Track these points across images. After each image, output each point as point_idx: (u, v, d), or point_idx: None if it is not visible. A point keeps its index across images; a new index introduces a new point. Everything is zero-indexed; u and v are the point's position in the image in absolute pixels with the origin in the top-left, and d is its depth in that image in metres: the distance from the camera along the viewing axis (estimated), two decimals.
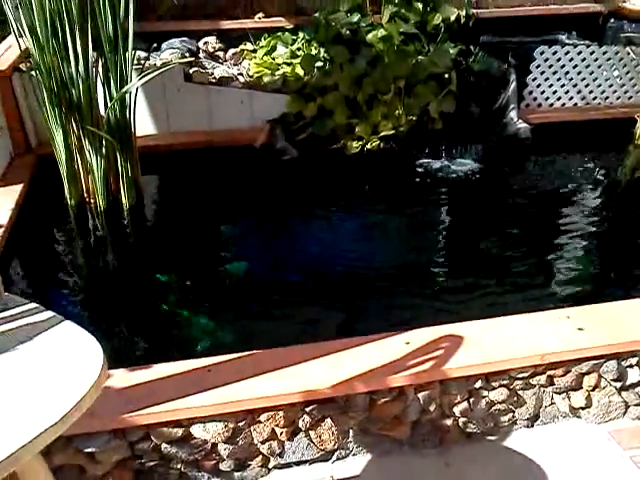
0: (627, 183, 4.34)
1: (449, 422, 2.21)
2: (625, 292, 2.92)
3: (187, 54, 4.59)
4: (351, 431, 2.13)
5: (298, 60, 4.44)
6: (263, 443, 2.06)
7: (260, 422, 2.02)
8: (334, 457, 2.16)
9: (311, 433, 2.09)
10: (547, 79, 4.60)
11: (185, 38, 4.88)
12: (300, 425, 2.06)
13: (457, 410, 2.19)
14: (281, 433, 2.05)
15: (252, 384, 1.98)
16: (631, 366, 2.28)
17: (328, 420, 2.07)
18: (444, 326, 2.27)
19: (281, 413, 2.00)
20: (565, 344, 2.18)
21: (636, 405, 2.37)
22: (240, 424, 2.00)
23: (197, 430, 1.96)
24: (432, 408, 2.15)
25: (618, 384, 2.30)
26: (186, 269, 3.15)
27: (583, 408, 2.33)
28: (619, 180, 4.37)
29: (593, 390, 2.29)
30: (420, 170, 4.09)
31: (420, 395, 2.12)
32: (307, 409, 2.03)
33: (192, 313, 2.82)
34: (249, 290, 3.03)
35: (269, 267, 3.24)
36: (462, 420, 2.22)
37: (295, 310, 2.88)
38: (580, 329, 2.24)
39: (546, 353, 2.14)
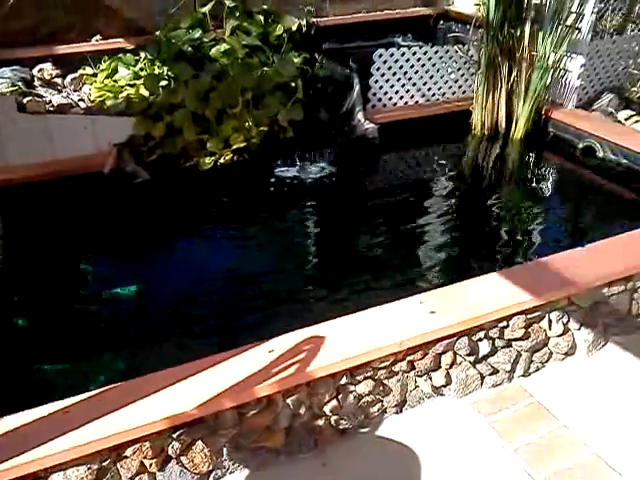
0: (469, 169, 4.70)
1: (321, 422, 2.26)
2: (474, 270, 3.14)
3: (20, 83, 4.34)
4: (224, 449, 2.11)
5: (141, 81, 4.34)
6: (133, 479, 1.98)
7: (126, 457, 1.94)
8: (210, 478, 2.13)
9: (183, 459, 2.04)
10: (388, 80, 4.86)
11: (17, 66, 4.61)
12: (170, 452, 2.01)
13: (327, 409, 2.24)
14: (150, 465, 1.99)
15: (115, 419, 1.91)
16: (480, 340, 2.46)
17: (199, 442, 2.04)
18: (306, 329, 2.32)
19: (147, 444, 1.94)
20: (420, 329, 2.31)
21: (490, 375, 2.56)
22: (105, 463, 1.91)
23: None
24: (302, 411, 2.19)
25: (472, 358, 2.47)
26: (40, 309, 2.98)
27: (444, 386, 2.47)
28: (462, 167, 4.71)
29: (451, 367, 2.45)
30: (276, 179, 4.16)
31: (289, 400, 2.14)
32: (175, 435, 1.98)
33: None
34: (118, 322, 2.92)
35: (138, 296, 3.12)
36: (334, 418, 2.28)
37: (166, 336, 2.81)
38: (432, 312, 2.38)
39: (403, 340, 2.26)
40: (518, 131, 4.81)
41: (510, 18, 4.60)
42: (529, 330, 2.57)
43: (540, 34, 4.62)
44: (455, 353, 2.43)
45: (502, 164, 4.76)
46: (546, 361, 2.70)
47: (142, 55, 4.69)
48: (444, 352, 2.40)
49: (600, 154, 4.48)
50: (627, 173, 4.24)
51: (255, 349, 2.22)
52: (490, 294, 2.49)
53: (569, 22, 4.58)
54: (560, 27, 4.54)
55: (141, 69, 4.54)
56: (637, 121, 5.13)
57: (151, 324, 2.93)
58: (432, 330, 2.31)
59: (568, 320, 2.67)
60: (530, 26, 4.63)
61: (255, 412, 2.08)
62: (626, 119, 5.17)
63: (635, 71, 5.27)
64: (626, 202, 4.10)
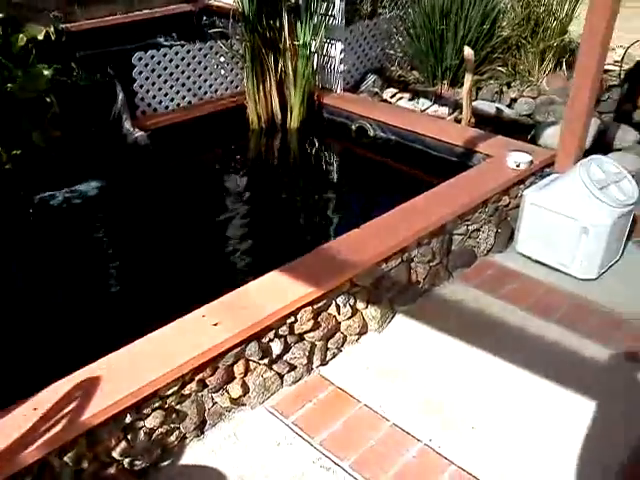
0: (251, 164, 4.70)
1: (113, 470, 2.07)
2: (263, 268, 3.05)
3: None
4: None
5: None
6: None
7: None
8: None
9: None
10: (154, 83, 4.65)
11: None
12: None
13: (116, 453, 2.06)
14: None
15: None
16: (271, 340, 2.43)
17: None
18: (78, 372, 2.09)
19: None
20: (205, 344, 2.20)
21: (289, 372, 2.55)
22: None
23: None
24: (86, 465, 1.97)
25: (266, 360, 2.43)
26: None
27: (243, 395, 2.41)
28: (244, 163, 4.69)
29: (245, 375, 2.39)
30: (39, 206, 3.76)
31: (67, 458, 1.92)
32: None
33: None
34: None
35: None
36: (127, 461, 2.10)
37: None
38: (216, 324, 2.29)
39: (187, 360, 2.14)
40: (294, 120, 4.91)
41: (267, 9, 4.65)
42: (318, 320, 2.60)
43: (298, 23, 4.74)
44: (247, 360, 2.38)
45: (283, 154, 4.84)
46: (341, 345, 2.77)
47: None
48: (235, 362, 2.33)
49: (371, 133, 4.74)
50: (396, 148, 4.54)
51: (18, 409, 1.95)
52: (274, 292, 2.47)
53: (323, 10, 4.75)
54: (315, 16, 4.70)
55: None
56: (401, 98, 5.52)
57: None
58: (218, 343, 2.22)
59: (355, 301, 2.76)
60: (288, 16, 4.72)
61: None
62: (391, 97, 5.55)
63: (391, 51, 5.67)
64: (398, 174, 4.39)
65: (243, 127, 4.93)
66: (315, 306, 2.55)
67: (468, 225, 3.34)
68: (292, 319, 2.48)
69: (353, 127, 4.84)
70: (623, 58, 5.95)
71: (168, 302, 2.93)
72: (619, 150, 4.49)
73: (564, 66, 5.58)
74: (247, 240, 3.59)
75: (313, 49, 4.78)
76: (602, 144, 4.73)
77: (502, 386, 2.57)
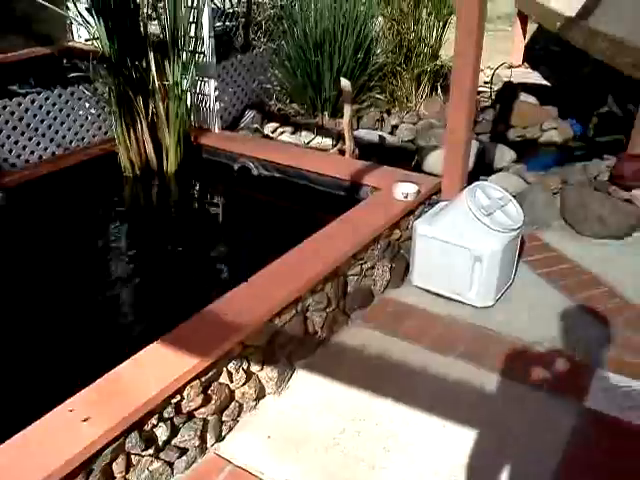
0: (127, 216, 4.37)
1: None
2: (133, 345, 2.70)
3: None
4: None
5: None
6: None
7: None
8: None
9: None
10: (9, 136, 4.23)
11: None
12: None
13: None
14: None
15: None
16: (155, 426, 2.15)
17: None
18: None
19: None
20: (74, 447, 1.89)
21: (179, 457, 2.27)
22: None
23: None
24: None
25: (151, 450, 2.15)
26: None
27: None
28: (118, 215, 4.35)
29: (128, 472, 2.09)
30: None
31: None
32: None
33: None
34: None
35: None
36: None
37: None
38: (85, 420, 1.99)
39: (52, 472, 1.82)
40: (171, 164, 4.64)
41: (131, 49, 4.38)
42: (209, 392, 2.36)
43: (166, 62, 4.51)
44: (128, 454, 2.08)
45: (161, 202, 4.56)
46: (238, 415, 2.53)
47: None
48: (114, 459, 2.03)
49: (255, 172, 4.57)
50: (282, 186, 4.39)
51: None
52: (154, 370, 2.20)
53: (191, 48, 4.55)
54: (183, 53, 4.49)
55: None
56: (283, 132, 5.42)
57: None
58: (88, 444, 1.91)
59: (248, 364, 2.54)
60: (154, 55, 4.47)
61: None
62: (273, 131, 5.43)
63: (268, 85, 5.56)
64: (286, 214, 4.23)
65: (116, 176, 4.59)
66: (203, 378, 2.30)
67: (362, 264, 3.23)
68: (178, 397, 2.22)
69: (235, 167, 4.65)
70: (492, 79, 6.21)
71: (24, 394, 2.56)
72: (500, 170, 4.62)
73: (439, 90, 5.72)
74: (121, 305, 3.28)
75: (185, 88, 4.56)
76: (483, 165, 4.86)
77: (407, 437, 2.43)
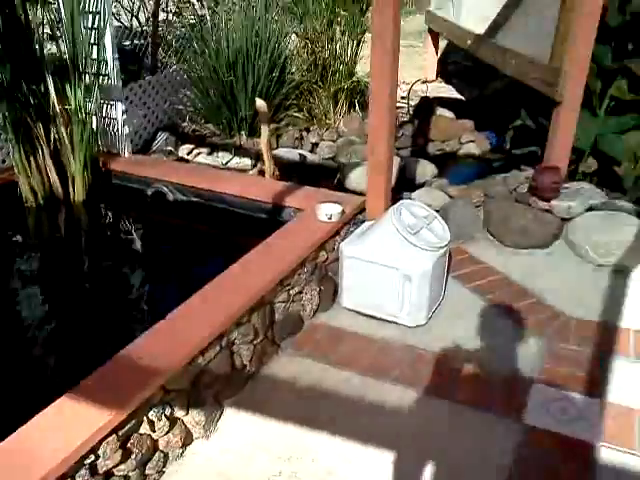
0: (31, 249, 4.05)
1: None
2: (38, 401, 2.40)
3: None
4: None
5: None
6: None
7: None
8: None
9: None
10: None
11: None
12: None
13: None
14: None
15: None
16: None
17: None
18: None
19: None
20: None
21: None
22: None
23: None
24: None
25: None
26: None
27: None
28: (20, 250, 4.03)
29: None
30: None
31: None
32: None
33: None
34: None
35: None
36: None
37: None
38: None
39: None
40: (78, 192, 4.36)
41: (26, 74, 4.09)
42: (128, 446, 2.15)
43: (67, 86, 4.24)
44: None
45: (68, 233, 4.26)
46: (163, 466, 2.33)
47: None
48: None
49: (170, 197, 4.36)
50: (200, 211, 4.21)
51: None
52: (62, 429, 1.97)
53: (95, 70, 4.31)
54: (86, 76, 4.24)
55: None
56: (199, 153, 5.24)
57: None
58: None
59: (172, 410, 2.35)
60: (53, 79, 4.19)
61: None
62: (188, 153, 5.25)
63: (180, 106, 5.38)
64: (206, 241, 4.05)
65: (16, 206, 4.26)
66: (121, 432, 2.09)
67: (289, 290, 3.10)
68: (92, 457, 2.00)
69: (149, 193, 4.42)
70: (409, 94, 6.30)
71: None
72: (422, 185, 4.63)
73: (357, 107, 5.73)
74: (22, 355, 2.99)
75: (89, 112, 4.30)
76: (405, 180, 4.87)
77: (345, 473, 2.31)
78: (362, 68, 5.75)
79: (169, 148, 5.11)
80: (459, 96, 7.20)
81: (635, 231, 3.52)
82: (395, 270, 3.02)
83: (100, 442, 2.01)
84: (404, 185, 4.68)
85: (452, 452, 2.39)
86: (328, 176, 5.14)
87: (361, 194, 3.82)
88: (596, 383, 2.70)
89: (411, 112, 6.09)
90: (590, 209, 3.77)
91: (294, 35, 5.31)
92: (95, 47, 4.27)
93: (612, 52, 4.12)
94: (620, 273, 3.51)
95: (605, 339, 2.98)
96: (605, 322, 3.11)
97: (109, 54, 4.34)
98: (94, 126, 4.45)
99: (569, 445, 2.39)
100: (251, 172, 4.69)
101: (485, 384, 2.74)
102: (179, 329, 2.51)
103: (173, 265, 3.80)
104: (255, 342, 2.83)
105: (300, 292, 3.20)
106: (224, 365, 2.63)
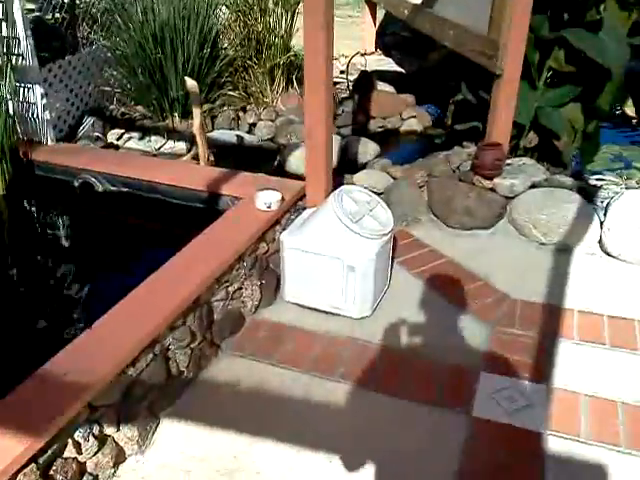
0: None
1: None
2: None
3: None
4: None
5: None
6: None
7: None
8: None
9: None
10: None
11: None
12: None
13: None
14: None
15: None
16: None
17: None
18: None
19: None
20: None
21: None
22: None
23: None
24: None
25: None
26: None
27: None
28: None
29: None
30: None
31: None
32: None
33: None
34: None
35: None
36: None
37: None
38: None
39: None
40: None
41: None
42: (51, 474, 1.99)
43: None
44: None
45: None
46: None
47: None
48: None
49: (99, 188, 4.11)
50: (132, 202, 3.99)
51: None
52: None
53: (4, 49, 3.99)
54: None
55: None
56: (130, 138, 4.99)
57: None
58: None
59: (101, 428, 2.19)
60: None
61: None
62: (118, 139, 4.98)
63: (107, 88, 5.07)
64: (139, 234, 3.85)
65: None
66: (41, 459, 1.94)
67: (227, 287, 2.96)
68: None
69: (76, 184, 4.15)
70: (348, 68, 6.14)
71: None
72: (365, 165, 4.52)
73: (295, 83, 5.54)
74: None
75: (3, 96, 3.99)
76: (347, 161, 4.75)
77: None
78: (298, 42, 5.54)
79: (97, 134, 4.82)
80: (399, 69, 7.09)
81: (576, 208, 3.51)
82: (338, 260, 2.91)
83: (16, 474, 1.85)
84: (346, 166, 4.57)
85: (402, 451, 2.32)
86: (268, 158, 4.98)
87: (302, 178, 3.67)
88: (542, 368, 2.68)
89: (350, 87, 5.94)
90: (533, 186, 3.74)
91: (225, 7, 5.06)
92: (3, 23, 3.93)
93: (549, 22, 4.07)
94: (563, 252, 3.51)
95: (550, 321, 2.97)
96: (549, 304, 3.11)
97: (20, 30, 3.99)
98: (11, 112, 4.14)
99: (518, 436, 2.37)
100: (185, 158, 4.47)
101: (433, 376, 2.68)
102: (106, 338, 2.34)
103: (103, 264, 3.59)
104: (192, 345, 2.68)
105: (240, 288, 3.06)
106: (158, 373, 2.48)
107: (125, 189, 4.04)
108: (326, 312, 3.10)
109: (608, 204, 3.47)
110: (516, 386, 2.58)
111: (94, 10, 6.00)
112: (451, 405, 2.52)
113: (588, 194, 3.65)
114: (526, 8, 3.58)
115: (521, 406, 2.47)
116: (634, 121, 5.32)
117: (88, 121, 4.84)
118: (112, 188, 4.09)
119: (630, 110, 5.38)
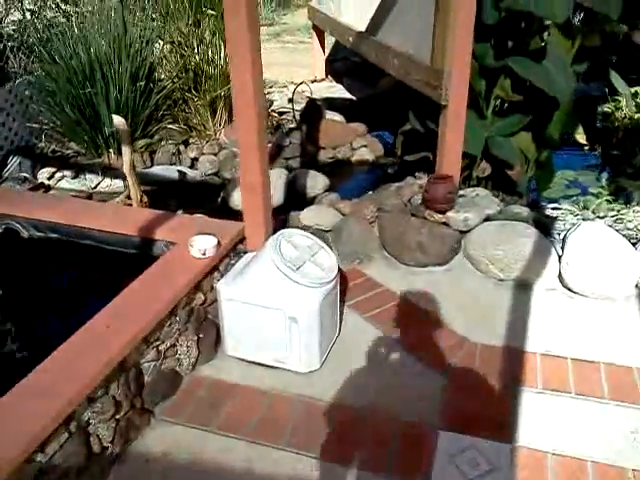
0: None
1: None
2: None
3: None
4: None
5: None
6: None
7: None
8: None
9: None
10: None
11: None
12: None
13: None
14: None
15: None
16: None
17: None
18: None
19: None
20: None
21: None
22: None
23: None
24: None
25: None
26: None
27: None
28: None
29: None
30: None
31: None
32: None
33: None
34: None
35: None
36: None
37: None
38: None
39: None
40: None
41: None
42: None
43: None
44: None
45: None
46: None
47: None
48: None
49: (25, 235, 3.80)
50: (61, 249, 3.69)
51: None
52: None
53: None
54: None
55: None
56: (62, 177, 4.70)
57: None
58: None
59: None
60: None
61: None
62: (49, 178, 4.70)
63: (35, 125, 4.79)
64: (66, 286, 3.56)
65: None
66: None
67: (159, 345, 2.70)
68: None
69: None
70: (293, 97, 5.98)
71: None
72: (313, 199, 4.34)
73: None
74: None
75: None
76: (295, 195, 4.57)
77: None
78: None
79: (24, 174, 4.52)
80: (350, 95, 6.98)
81: (532, 242, 3.38)
82: (279, 311, 2.69)
83: None
84: (293, 201, 4.38)
85: None
86: (212, 194, 4.76)
87: None
88: (505, 424, 2.49)
89: (297, 117, 5.77)
90: (487, 219, 3.61)
91: (158, 39, 4.84)
92: None
93: (493, 50, 3.98)
94: (523, 288, 3.36)
95: (511, 367, 2.80)
96: (510, 347, 2.94)
97: None
98: None
99: None
100: (117, 199, 4.20)
101: (388, 438, 2.46)
102: (9, 419, 2.05)
103: (18, 321, 3.28)
104: (118, 416, 2.41)
105: (174, 345, 2.81)
106: (76, 454, 2.20)
107: (53, 235, 3.74)
108: (271, 367, 2.87)
109: (565, 237, 3.35)
110: (477, 446, 2.38)
111: (31, 40, 5.72)
112: (409, 472, 2.31)
113: (544, 226, 3.53)
114: (468, 36, 3.47)
115: (484, 471, 2.27)
116: (586, 148, 5.28)
117: (14, 161, 4.54)
118: (39, 234, 3.79)
119: (581, 137, 5.35)
